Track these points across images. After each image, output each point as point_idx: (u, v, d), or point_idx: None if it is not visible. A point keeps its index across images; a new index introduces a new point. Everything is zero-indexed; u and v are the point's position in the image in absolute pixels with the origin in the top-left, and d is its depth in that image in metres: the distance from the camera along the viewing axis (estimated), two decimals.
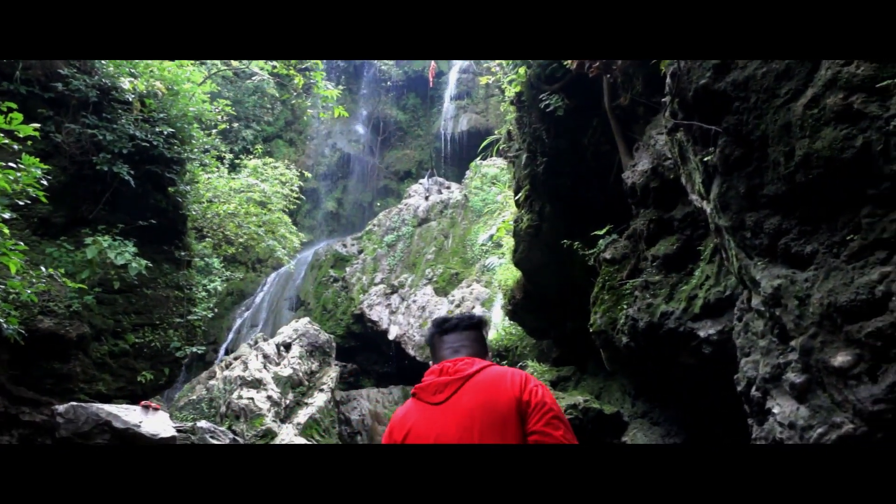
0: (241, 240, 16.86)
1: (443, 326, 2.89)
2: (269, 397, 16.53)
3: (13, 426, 10.36)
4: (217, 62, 16.53)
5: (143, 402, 10.96)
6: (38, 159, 7.89)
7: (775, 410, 3.57)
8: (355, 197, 31.99)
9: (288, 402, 17.08)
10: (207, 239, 16.40)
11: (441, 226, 23.74)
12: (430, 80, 30.58)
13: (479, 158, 11.97)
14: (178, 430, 11.48)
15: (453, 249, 22.75)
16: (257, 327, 23.05)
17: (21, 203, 8.25)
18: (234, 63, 17.69)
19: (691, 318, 6.20)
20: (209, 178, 15.84)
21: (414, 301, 21.46)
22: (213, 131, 15.70)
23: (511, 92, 9.65)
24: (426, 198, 25.59)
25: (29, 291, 8.70)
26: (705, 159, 3.88)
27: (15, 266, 7.63)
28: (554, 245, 9.41)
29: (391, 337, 21.16)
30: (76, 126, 11.17)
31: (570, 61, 7.66)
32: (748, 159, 3.57)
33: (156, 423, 10.53)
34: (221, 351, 22.02)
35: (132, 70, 11.85)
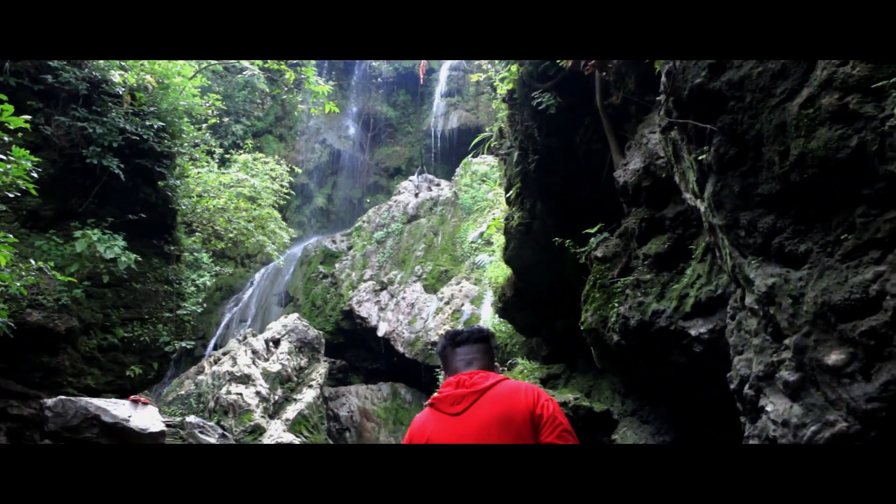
0: (230, 235, 16.81)
1: (455, 339, 3.08)
2: (257, 393, 16.51)
3: (1, 420, 10.31)
4: None
5: (132, 397, 10.93)
6: (28, 151, 7.85)
7: (768, 408, 3.60)
8: (345, 193, 31.92)
9: (276, 397, 17.06)
10: (197, 234, 16.34)
11: (431, 223, 23.73)
12: (421, 76, 30.53)
13: (470, 156, 11.94)
14: (168, 425, 11.45)
15: (443, 247, 22.75)
16: (246, 323, 22.98)
17: (11, 195, 8.21)
18: None
19: (682, 316, 6.22)
20: (199, 172, 15.78)
21: (403, 298, 21.45)
22: (204, 126, 15.64)
23: (503, 89, 9.66)
24: (416, 195, 25.57)
25: (18, 284, 8.65)
26: (700, 158, 3.90)
27: (4, 259, 7.58)
28: (545, 243, 9.42)
29: (380, 333, 21.14)
30: (66, 119, 11.10)
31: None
32: (743, 158, 3.59)
33: (145, 417, 10.49)
34: (210, 346, 21.94)
35: (122, 63, 11.79)
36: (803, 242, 3.36)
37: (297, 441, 15.69)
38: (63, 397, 10.20)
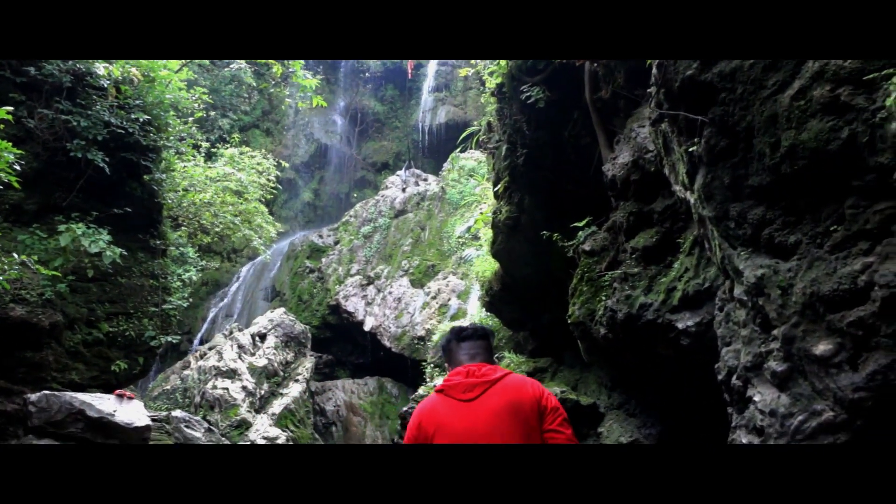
0: (216, 229, 16.72)
1: (461, 335, 3.39)
2: (243, 387, 16.47)
3: None
4: None
5: (117, 391, 10.86)
6: (10, 144, 7.77)
7: (756, 398, 3.61)
8: (332, 188, 31.86)
9: (263, 392, 17.03)
10: (183, 228, 16.25)
11: (418, 218, 23.71)
12: (409, 71, 30.51)
13: (458, 150, 11.92)
14: (153, 420, 11.38)
15: (430, 241, 22.75)
16: (232, 317, 22.91)
17: None
18: None
19: (670, 309, 6.24)
20: (185, 166, 15.67)
21: (390, 293, 21.44)
22: (190, 119, 15.53)
23: (492, 83, 9.64)
24: (403, 189, 25.55)
25: (1, 279, 8.57)
26: (690, 150, 3.90)
27: None
28: (533, 237, 9.43)
29: (367, 328, 21.13)
30: (49, 111, 10.99)
31: None
32: (734, 150, 3.59)
33: (130, 411, 10.43)
34: (196, 341, 21.88)
35: None
36: (793, 234, 3.37)
37: (283, 435, 15.65)
38: (47, 392, 10.11)
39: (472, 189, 22.17)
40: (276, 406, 16.88)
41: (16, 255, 9.17)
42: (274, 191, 19.63)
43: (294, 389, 17.68)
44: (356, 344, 22.41)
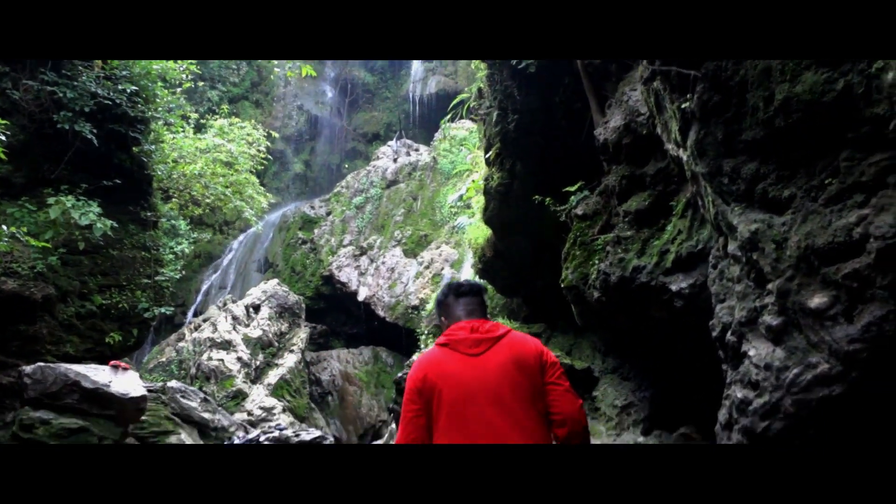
0: (207, 200, 16.65)
1: (459, 290, 3.49)
2: (238, 359, 16.51)
3: None
4: None
5: (111, 362, 10.86)
6: None
7: (751, 353, 3.63)
8: (323, 159, 31.71)
9: (258, 363, 17.08)
10: (174, 200, 16.17)
11: (410, 188, 23.64)
12: None
13: (448, 117, 11.85)
14: (149, 390, 11.41)
15: (422, 211, 22.70)
16: (226, 289, 22.91)
17: None
18: None
19: (663, 272, 6.24)
20: (174, 138, 15.56)
21: (383, 263, 21.44)
22: (178, 90, 15.40)
23: None
24: (395, 160, 25.44)
25: None
26: (683, 106, 3.87)
27: None
28: (525, 203, 9.40)
29: (360, 298, 21.16)
30: (34, 83, 10.87)
31: None
32: (727, 105, 3.57)
33: (125, 382, 10.44)
34: (190, 313, 21.87)
35: None
36: (787, 188, 3.36)
37: (279, 405, 15.74)
38: (42, 364, 10.11)
39: (463, 158, 22.09)
40: (272, 376, 16.95)
41: (5, 227, 9.10)
42: (264, 162, 19.52)
43: (289, 360, 17.74)
44: (350, 314, 22.46)
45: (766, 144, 3.43)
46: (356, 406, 18.84)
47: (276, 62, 21.42)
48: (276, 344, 18.10)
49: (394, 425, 13.48)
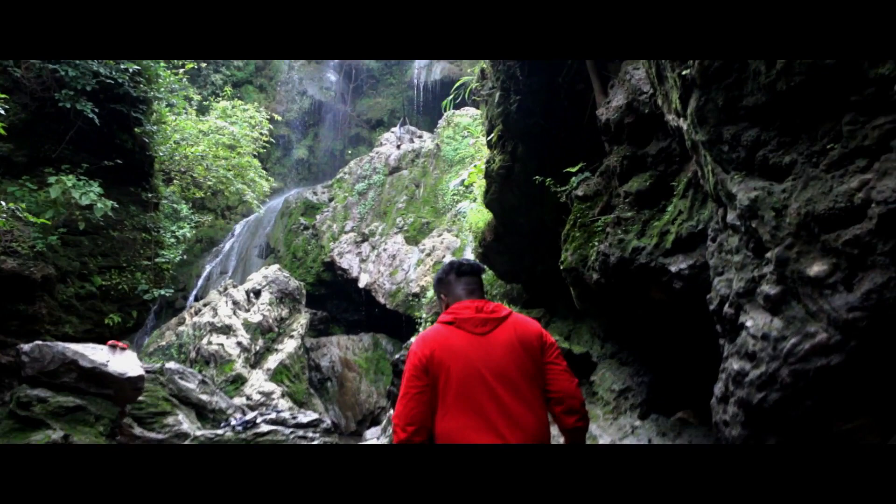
0: (209, 183, 16.62)
1: (460, 269, 3.61)
2: (238, 343, 16.51)
3: None
4: None
5: (110, 342, 10.85)
6: None
7: (748, 324, 3.56)
8: (326, 145, 31.64)
9: (258, 348, 17.07)
10: (175, 182, 16.14)
11: (412, 175, 23.57)
12: None
13: (451, 97, 11.77)
14: (147, 371, 11.39)
15: (424, 199, 22.64)
16: (227, 274, 22.91)
17: None
18: None
19: (663, 253, 6.18)
20: (176, 119, 15.52)
21: (384, 249, 21.40)
22: (181, 71, 15.34)
23: None
24: (398, 146, 25.37)
25: None
26: (683, 73, 3.80)
27: None
28: (526, 185, 9.34)
29: (361, 285, 21.14)
30: (36, 61, 10.82)
31: None
32: (728, 70, 3.49)
33: (123, 362, 10.43)
34: (191, 298, 21.89)
35: None
36: (788, 154, 3.29)
37: (278, 390, 15.73)
38: (39, 342, 10.11)
39: (466, 145, 22.01)
40: (272, 361, 16.95)
41: (4, 203, 9.07)
42: (267, 145, 19.48)
43: (289, 345, 17.73)
44: (351, 301, 22.44)
45: (767, 110, 3.35)
46: (355, 392, 18.83)
47: None
48: (276, 329, 18.09)
49: (391, 411, 13.45)
